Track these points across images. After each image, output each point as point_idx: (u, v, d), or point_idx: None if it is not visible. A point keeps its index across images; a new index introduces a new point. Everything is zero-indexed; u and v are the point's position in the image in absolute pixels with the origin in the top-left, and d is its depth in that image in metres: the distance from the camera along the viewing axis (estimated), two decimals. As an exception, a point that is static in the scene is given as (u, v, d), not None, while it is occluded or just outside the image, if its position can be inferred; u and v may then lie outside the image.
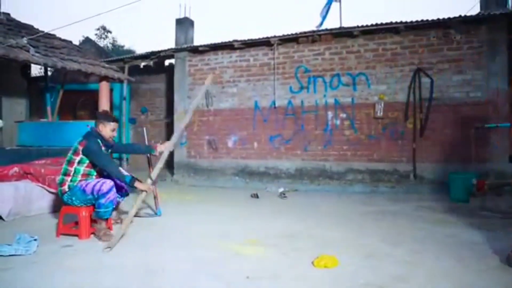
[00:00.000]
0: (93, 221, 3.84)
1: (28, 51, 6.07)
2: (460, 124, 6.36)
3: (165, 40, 40.32)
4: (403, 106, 6.74)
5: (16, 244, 3.21)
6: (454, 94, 6.48)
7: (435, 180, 6.50)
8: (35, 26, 7.98)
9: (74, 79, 9.53)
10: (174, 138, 4.56)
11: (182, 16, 9.67)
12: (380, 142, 6.89)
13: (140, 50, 25.72)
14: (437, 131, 6.54)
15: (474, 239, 3.62)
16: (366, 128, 7.00)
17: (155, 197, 4.93)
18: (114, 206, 3.80)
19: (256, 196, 6.37)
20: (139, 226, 4.11)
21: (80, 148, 3.66)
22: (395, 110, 6.82)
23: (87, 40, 16.66)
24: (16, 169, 4.87)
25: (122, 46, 24.49)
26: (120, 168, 3.67)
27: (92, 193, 3.58)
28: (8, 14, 7.86)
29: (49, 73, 9.62)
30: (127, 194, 4.11)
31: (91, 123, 7.56)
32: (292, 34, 7.34)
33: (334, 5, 8.39)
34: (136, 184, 3.69)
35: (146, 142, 5.58)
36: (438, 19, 6.39)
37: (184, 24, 9.56)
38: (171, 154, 8.74)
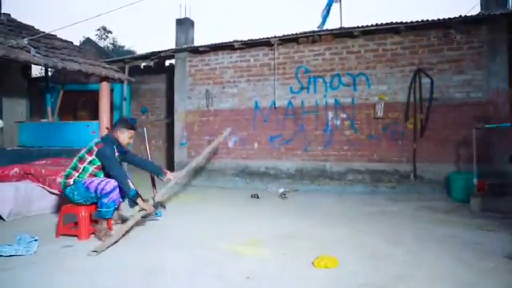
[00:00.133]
0: (93, 221, 3.85)
1: (28, 51, 6.07)
2: (461, 124, 6.35)
3: (166, 41, 40.35)
4: (403, 106, 6.74)
5: (17, 245, 3.21)
6: (454, 94, 6.48)
7: (435, 180, 6.49)
8: (36, 27, 7.99)
9: (74, 80, 9.54)
10: (184, 171, 4.70)
11: (182, 16, 9.67)
12: (381, 142, 6.89)
13: (140, 50, 25.76)
14: (437, 131, 6.53)
15: (475, 239, 3.62)
16: (367, 128, 7.00)
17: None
18: (116, 207, 3.81)
19: (256, 196, 6.37)
20: (139, 226, 4.11)
21: (95, 149, 3.70)
22: (395, 110, 6.82)
23: (87, 41, 16.67)
24: (16, 169, 4.88)
25: (123, 47, 24.52)
26: (128, 180, 3.69)
27: (95, 191, 3.60)
28: (9, 15, 7.87)
29: (50, 74, 9.63)
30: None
31: (91, 123, 7.68)
32: (292, 35, 7.34)
33: (335, 6, 8.41)
34: (139, 201, 3.71)
35: (147, 142, 5.60)
36: (438, 19, 6.38)
37: (184, 25, 9.56)
38: (172, 155, 8.78)
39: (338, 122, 7.19)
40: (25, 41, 6.28)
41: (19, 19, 7.92)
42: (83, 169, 3.71)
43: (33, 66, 8.81)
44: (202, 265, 2.93)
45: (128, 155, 4.19)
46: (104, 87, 7.48)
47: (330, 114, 7.23)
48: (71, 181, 3.68)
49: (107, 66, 7.89)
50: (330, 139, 7.22)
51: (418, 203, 5.59)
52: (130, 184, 3.69)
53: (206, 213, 5.07)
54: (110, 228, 3.83)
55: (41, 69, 11.63)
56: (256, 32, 16.52)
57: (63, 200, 4.82)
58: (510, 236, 3.74)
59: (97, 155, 3.69)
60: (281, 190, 6.96)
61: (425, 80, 6.60)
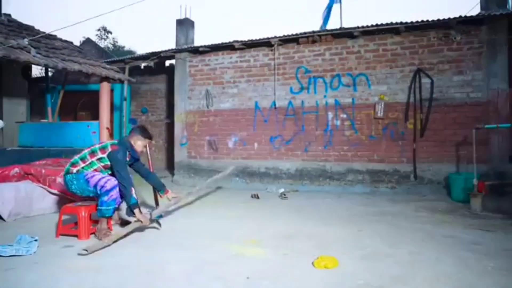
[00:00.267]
0: (93, 221, 3.86)
1: (29, 52, 6.08)
2: (461, 124, 6.36)
3: (166, 41, 40.41)
4: (403, 106, 6.75)
5: (17, 245, 3.22)
6: (454, 94, 6.48)
7: (435, 180, 6.49)
8: (36, 27, 8.01)
9: (74, 80, 9.56)
10: (184, 194, 4.84)
11: (182, 17, 9.69)
12: (381, 142, 6.89)
13: (140, 50, 25.81)
14: (437, 132, 6.54)
15: (475, 240, 3.62)
16: (367, 129, 7.00)
17: (155, 198, 4.94)
18: (116, 206, 3.81)
19: (256, 196, 6.37)
20: (139, 227, 4.11)
21: (110, 149, 3.73)
22: (395, 111, 6.82)
23: (87, 41, 16.69)
24: (17, 169, 4.89)
25: (123, 47, 24.55)
26: (132, 188, 3.69)
27: (95, 186, 3.62)
28: (9, 15, 7.89)
29: (50, 74, 9.64)
30: None
31: (92, 123, 7.69)
32: (292, 35, 7.34)
33: (335, 7, 8.42)
34: (136, 211, 3.71)
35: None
36: (438, 19, 6.39)
37: (184, 25, 9.58)
38: (172, 155, 8.78)
39: (338, 123, 7.19)
40: (26, 41, 6.29)
41: (19, 20, 7.95)
42: (90, 163, 3.74)
43: (33, 66, 8.82)
44: (202, 266, 2.93)
45: (137, 163, 4.19)
46: (104, 87, 7.48)
47: (330, 115, 7.24)
48: (74, 170, 3.71)
49: (107, 66, 7.90)
50: (330, 139, 7.22)
51: (418, 204, 5.59)
52: (133, 192, 3.69)
53: (206, 214, 5.07)
54: (110, 228, 3.84)
55: (41, 70, 11.64)
56: (256, 32, 16.56)
57: (63, 200, 4.84)
58: (510, 236, 3.75)
59: (108, 156, 3.72)
60: (281, 190, 6.96)
61: (425, 80, 6.60)
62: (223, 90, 8.09)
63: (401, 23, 6.58)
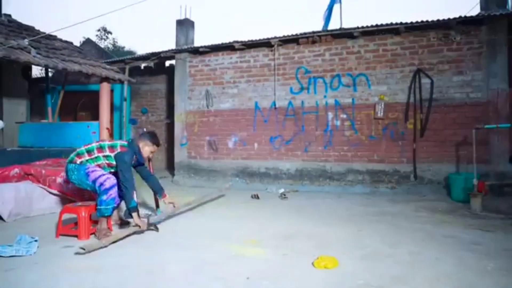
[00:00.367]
0: (93, 222, 3.86)
1: (29, 52, 6.09)
2: (460, 124, 6.36)
3: (166, 41, 40.46)
4: (403, 106, 6.75)
5: (17, 245, 3.22)
6: (454, 94, 6.48)
7: (435, 180, 6.49)
8: (36, 28, 8.01)
9: (75, 80, 9.56)
10: (183, 204, 4.78)
11: (182, 17, 9.70)
12: (381, 142, 6.90)
13: (140, 51, 25.81)
14: (437, 132, 6.54)
15: (474, 240, 3.62)
16: (367, 129, 7.00)
17: (155, 198, 4.94)
18: (115, 205, 3.81)
19: (256, 197, 6.37)
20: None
21: (118, 150, 3.74)
22: (395, 111, 6.83)
23: (87, 41, 16.69)
24: (17, 170, 4.89)
25: (123, 47, 24.55)
26: (134, 192, 3.71)
27: (93, 182, 3.64)
28: (9, 16, 7.89)
29: (50, 74, 9.64)
30: None
31: (92, 123, 7.69)
32: (292, 35, 7.34)
33: (335, 7, 8.41)
34: (134, 215, 3.72)
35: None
36: (438, 20, 6.39)
37: (184, 25, 9.59)
38: (172, 155, 8.78)
39: (338, 123, 7.19)
40: (26, 41, 6.30)
41: (19, 20, 7.95)
42: (96, 158, 3.75)
43: (33, 66, 8.82)
44: (202, 266, 2.94)
45: (142, 166, 4.21)
46: (104, 88, 7.48)
47: (330, 115, 7.24)
48: (78, 161, 3.73)
49: (108, 66, 7.90)
50: (330, 140, 7.22)
51: (418, 204, 5.59)
52: (134, 195, 3.71)
53: (206, 214, 5.07)
54: (110, 229, 3.84)
55: (41, 70, 11.64)
56: (256, 32, 16.59)
57: (63, 201, 4.85)
58: (509, 236, 3.75)
59: (115, 156, 3.72)
60: (281, 190, 6.96)
61: (425, 81, 6.61)
62: (223, 91, 8.09)
63: (401, 23, 6.59)
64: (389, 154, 6.84)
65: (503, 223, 4.36)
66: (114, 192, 3.66)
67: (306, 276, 2.73)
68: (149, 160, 4.93)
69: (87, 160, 3.74)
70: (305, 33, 7.30)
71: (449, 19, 6.34)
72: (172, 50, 8.63)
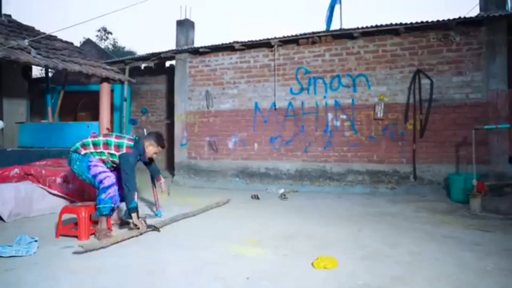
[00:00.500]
0: (93, 222, 3.86)
1: (29, 52, 6.09)
2: (460, 125, 6.37)
3: (166, 42, 40.48)
4: (403, 107, 6.75)
5: (17, 245, 3.22)
6: (454, 95, 6.49)
7: (435, 181, 6.50)
8: (36, 28, 8.02)
9: (75, 80, 9.56)
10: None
11: (182, 17, 9.71)
12: (380, 143, 6.90)
13: (140, 51, 25.84)
14: (437, 133, 6.54)
15: (474, 240, 3.63)
16: (366, 129, 7.01)
17: (155, 198, 4.95)
18: (114, 205, 3.81)
19: (256, 197, 6.38)
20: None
21: (124, 150, 3.74)
22: (395, 111, 6.83)
23: (88, 42, 16.70)
24: (17, 170, 4.89)
25: (123, 48, 24.55)
26: (135, 192, 3.73)
27: (94, 176, 3.65)
28: (10, 16, 7.90)
29: (50, 74, 9.65)
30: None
31: (92, 124, 7.69)
32: (292, 36, 7.35)
33: (336, 7, 8.42)
34: (134, 215, 3.73)
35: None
36: (438, 20, 6.40)
37: (184, 26, 9.60)
38: (172, 155, 8.78)
39: (338, 123, 7.20)
40: (26, 42, 6.31)
41: (19, 20, 7.96)
42: (101, 152, 3.75)
43: (33, 67, 8.83)
44: (202, 266, 2.94)
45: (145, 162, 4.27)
46: (105, 88, 7.49)
47: (330, 115, 7.25)
48: (83, 152, 3.73)
49: (108, 67, 7.91)
50: (330, 140, 7.23)
51: (418, 204, 5.60)
52: (135, 196, 3.71)
53: (206, 214, 5.07)
54: (110, 229, 3.84)
55: (41, 70, 11.64)
56: (256, 33, 16.63)
57: (63, 201, 4.85)
58: (509, 237, 3.75)
59: (120, 156, 3.72)
60: (281, 191, 6.96)
61: (425, 81, 6.61)
62: (223, 91, 8.10)
63: (401, 24, 6.60)
64: (389, 155, 6.84)
65: (503, 223, 4.37)
66: (112, 191, 3.66)
67: (306, 276, 2.73)
68: (152, 160, 4.94)
69: (91, 153, 3.73)
70: (305, 34, 7.31)
71: (448, 20, 6.34)
72: (172, 50, 8.64)
